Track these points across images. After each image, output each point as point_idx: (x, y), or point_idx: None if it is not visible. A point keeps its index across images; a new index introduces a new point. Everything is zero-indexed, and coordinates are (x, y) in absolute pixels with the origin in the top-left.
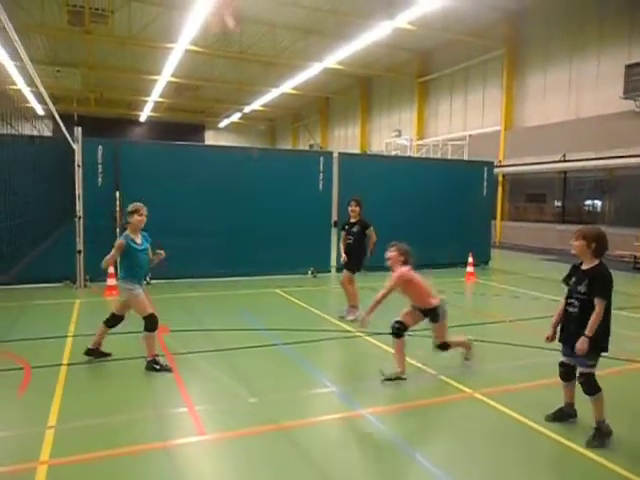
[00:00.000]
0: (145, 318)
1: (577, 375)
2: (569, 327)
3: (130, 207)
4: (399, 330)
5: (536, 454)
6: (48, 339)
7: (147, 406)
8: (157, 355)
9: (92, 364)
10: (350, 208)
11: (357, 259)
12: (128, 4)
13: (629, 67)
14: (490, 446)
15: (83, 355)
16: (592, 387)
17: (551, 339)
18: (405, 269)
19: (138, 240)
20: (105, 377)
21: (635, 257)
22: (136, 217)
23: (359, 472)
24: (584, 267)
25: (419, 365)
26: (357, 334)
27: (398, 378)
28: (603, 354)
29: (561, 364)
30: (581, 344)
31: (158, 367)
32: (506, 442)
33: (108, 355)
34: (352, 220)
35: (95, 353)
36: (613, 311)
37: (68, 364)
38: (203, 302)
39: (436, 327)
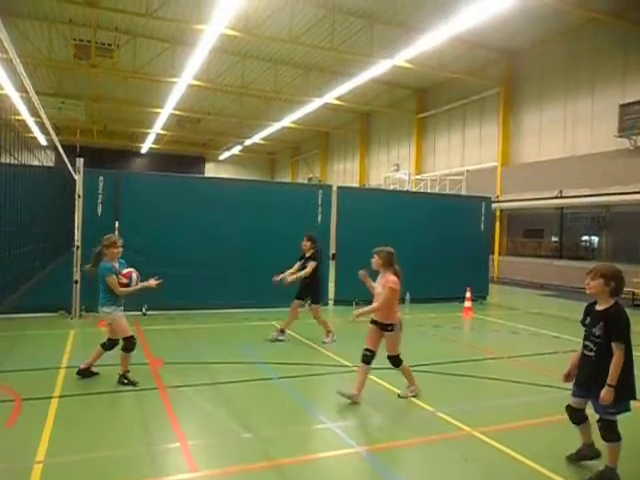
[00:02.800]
0: (125, 339)
1: (597, 419)
2: (584, 370)
3: (105, 240)
4: (369, 357)
5: None
6: (40, 370)
7: (139, 441)
8: (128, 371)
9: (83, 397)
10: (303, 243)
11: (314, 289)
12: (134, 39)
13: (623, 106)
14: None
15: (76, 376)
16: (611, 434)
17: (569, 378)
18: (395, 279)
19: (116, 266)
20: (97, 410)
21: (634, 293)
22: (112, 250)
23: None
24: (599, 308)
25: (415, 401)
26: (354, 369)
27: (352, 401)
28: (632, 402)
29: (569, 408)
30: (605, 394)
31: (126, 381)
32: None
33: (96, 374)
34: (307, 254)
35: (85, 372)
36: None
37: (60, 396)
38: (199, 334)
39: (390, 337)
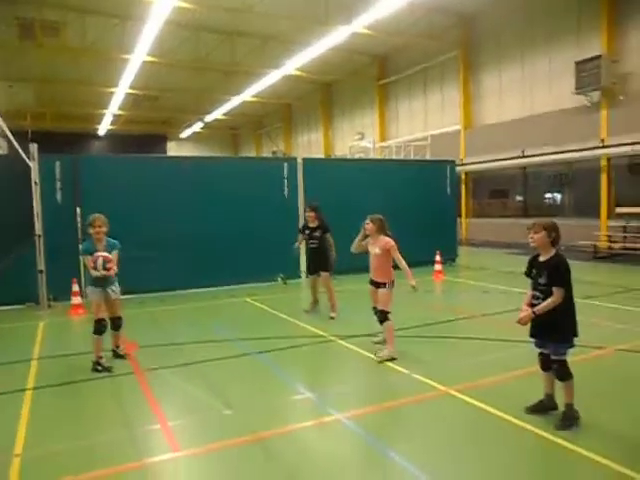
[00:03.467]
0: (94, 322)
1: (551, 362)
2: (535, 320)
3: (87, 220)
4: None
5: (517, 448)
6: (11, 363)
7: (118, 426)
8: (101, 357)
9: (58, 387)
10: (306, 214)
11: (327, 259)
12: (81, 17)
13: (579, 63)
14: (470, 443)
15: (91, 372)
16: (565, 373)
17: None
18: (389, 239)
19: (100, 248)
20: (73, 399)
21: (595, 247)
22: (90, 230)
23: (338, 476)
24: (542, 259)
25: (390, 365)
26: (330, 338)
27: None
28: (575, 339)
29: (540, 353)
30: (525, 317)
31: (100, 368)
32: (485, 437)
33: (109, 370)
34: (311, 225)
35: (99, 366)
36: (579, 300)
37: (34, 388)
38: (172, 315)
39: (382, 294)
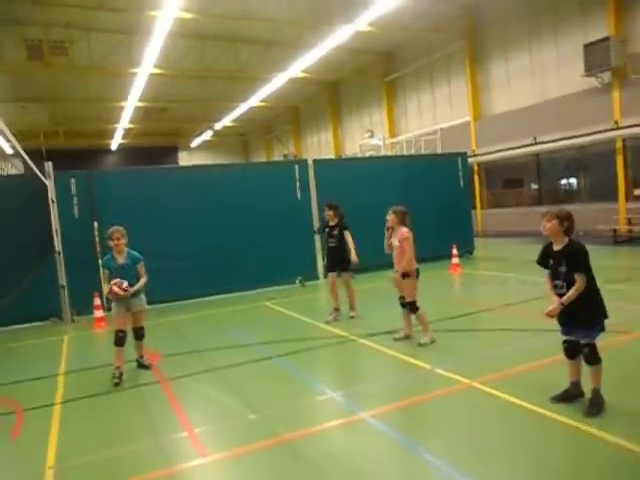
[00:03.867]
0: (115, 332)
1: (581, 345)
2: (563, 308)
3: (106, 233)
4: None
5: (545, 439)
6: (39, 379)
7: (146, 435)
8: (118, 368)
9: (86, 399)
10: (325, 213)
11: (345, 258)
12: (87, 34)
13: (587, 46)
14: (496, 435)
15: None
16: (594, 357)
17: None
18: (406, 230)
19: (120, 260)
20: (100, 411)
21: (614, 231)
22: (110, 243)
23: (367, 477)
24: (557, 248)
25: (412, 361)
26: (350, 338)
27: (407, 336)
28: (606, 322)
29: (564, 341)
30: (553, 309)
31: (117, 381)
32: (513, 430)
33: (117, 384)
34: (331, 223)
35: (115, 378)
36: (601, 285)
37: (62, 402)
38: (193, 323)
39: (407, 285)
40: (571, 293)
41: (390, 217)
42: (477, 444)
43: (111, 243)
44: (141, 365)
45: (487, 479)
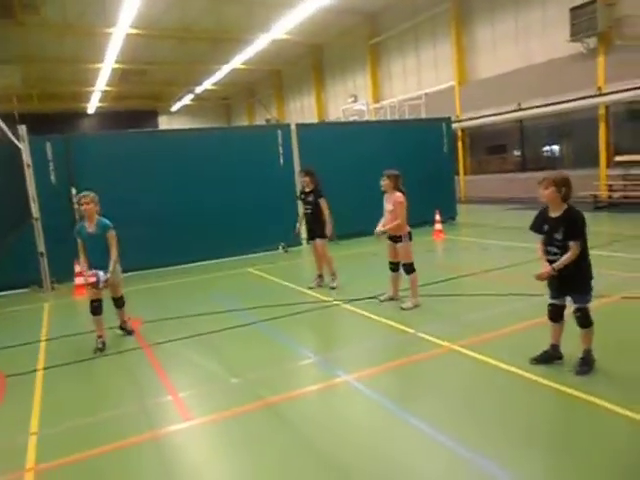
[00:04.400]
0: (89, 302)
1: (574, 310)
2: (557, 274)
3: (76, 198)
4: (394, 267)
5: (526, 400)
6: (20, 346)
7: (130, 399)
8: (100, 336)
9: (68, 366)
10: (300, 179)
11: (321, 225)
12: None
13: (573, 10)
14: (478, 397)
15: (93, 353)
16: (588, 320)
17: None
18: (400, 194)
19: (90, 229)
20: (83, 377)
21: (595, 197)
22: (78, 207)
23: (351, 439)
24: (554, 214)
25: (395, 325)
26: (334, 303)
27: (393, 299)
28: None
29: (551, 305)
30: (544, 272)
31: (100, 346)
32: (494, 391)
33: (101, 350)
34: (307, 189)
35: (101, 344)
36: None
37: (44, 368)
38: (175, 290)
39: (402, 248)
40: (564, 259)
41: (384, 182)
42: (459, 406)
43: (79, 208)
44: (124, 330)
45: (468, 440)
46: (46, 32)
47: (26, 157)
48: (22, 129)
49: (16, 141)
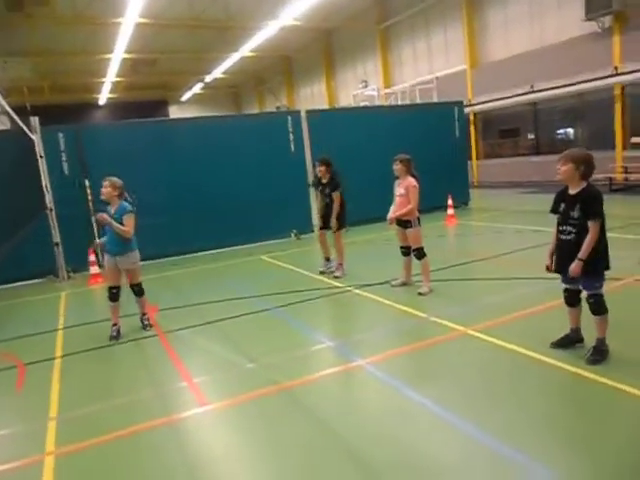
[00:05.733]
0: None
1: (587, 297)
2: (565, 255)
3: None
4: (405, 251)
5: (543, 384)
6: (38, 335)
7: (146, 385)
8: (115, 324)
9: (85, 353)
10: (317, 169)
11: (340, 216)
12: None
13: None
14: (493, 381)
15: (108, 341)
16: (601, 307)
17: (550, 268)
18: (413, 180)
19: (112, 211)
20: (100, 364)
21: (611, 179)
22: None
23: (365, 422)
24: (572, 192)
25: (408, 309)
26: (347, 289)
27: (405, 284)
28: (606, 272)
29: (565, 290)
30: (575, 267)
31: (114, 334)
32: (507, 375)
33: (116, 338)
34: (323, 181)
35: (116, 332)
36: None
37: (62, 356)
38: (189, 278)
39: (411, 233)
40: (586, 245)
41: (397, 166)
42: (476, 390)
43: (101, 190)
44: (143, 323)
45: (486, 424)
46: (55, 23)
47: (39, 148)
48: (34, 121)
49: (29, 132)
